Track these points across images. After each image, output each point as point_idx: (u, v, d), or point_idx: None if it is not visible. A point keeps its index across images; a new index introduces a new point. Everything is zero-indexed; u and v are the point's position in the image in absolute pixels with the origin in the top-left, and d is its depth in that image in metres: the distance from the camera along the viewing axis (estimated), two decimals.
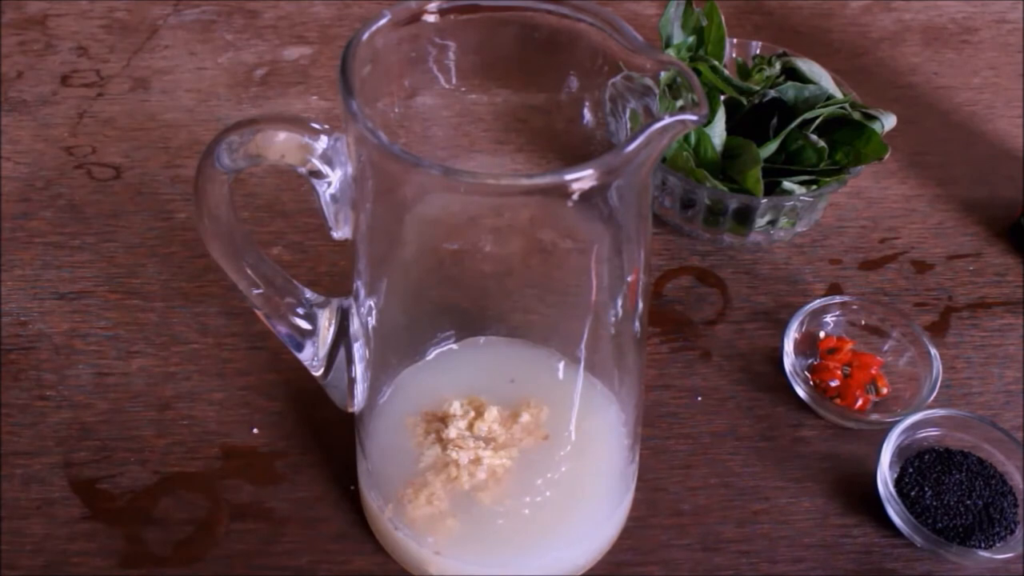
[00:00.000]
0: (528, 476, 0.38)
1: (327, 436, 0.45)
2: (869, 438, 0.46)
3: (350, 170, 0.32)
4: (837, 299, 0.50)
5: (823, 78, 0.56)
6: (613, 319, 0.39)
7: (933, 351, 0.48)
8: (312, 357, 0.39)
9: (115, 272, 0.52)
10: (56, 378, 0.47)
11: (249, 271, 0.37)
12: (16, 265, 0.52)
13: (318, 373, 0.40)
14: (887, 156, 0.52)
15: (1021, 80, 0.68)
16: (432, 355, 0.42)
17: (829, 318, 0.50)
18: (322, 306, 0.39)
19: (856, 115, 0.54)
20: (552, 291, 0.40)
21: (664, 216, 0.56)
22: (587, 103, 0.36)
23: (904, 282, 0.54)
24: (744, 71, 0.59)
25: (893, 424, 0.44)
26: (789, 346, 0.48)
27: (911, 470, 0.44)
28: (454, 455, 0.38)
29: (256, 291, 0.37)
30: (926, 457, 0.44)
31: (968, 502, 0.43)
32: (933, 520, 0.42)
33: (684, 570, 0.42)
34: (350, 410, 0.40)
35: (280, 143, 0.32)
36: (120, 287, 0.51)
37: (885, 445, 0.43)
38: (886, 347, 0.50)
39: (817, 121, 0.53)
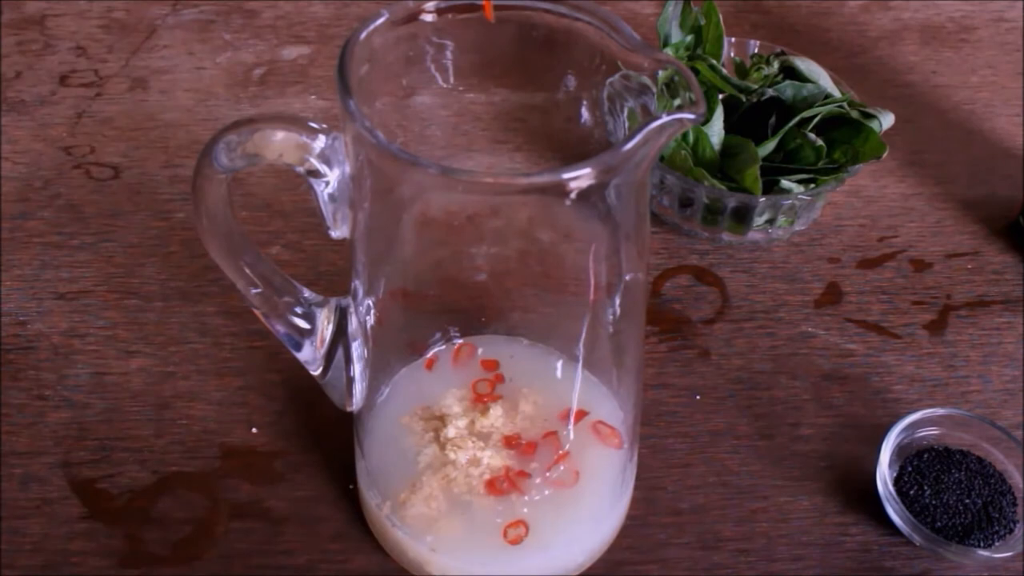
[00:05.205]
0: (526, 475, 0.38)
1: (326, 435, 0.45)
2: (868, 437, 0.46)
3: (348, 169, 0.32)
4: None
5: (821, 77, 0.56)
6: (611, 317, 0.39)
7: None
8: (310, 356, 0.39)
9: (114, 272, 0.52)
10: (55, 378, 0.47)
11: (247, 270, 0.37)
12: (15, 265, 0.52)
13: (316, 372, 0.40)
14: (885, 155, 0.52)
15: (1020, 79, 0.68)
16: (430, 354, 0.42)
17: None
18: (320, 305, 0.39)
19: (854, 114, 0.54)
20: (550, 290, 0.40)
21: (662, 215, 0.56)
22: (585, 102, 0.36)
23: (902, 281, 0.54)
24: (742, 70, 0.59)
25: (892, 423, 0.44)
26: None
27: (910, 469, 0.44)
28: (452, 455, 0.38)
29: (254, 290, 0.37)
30: (925, 456, 0.44)
31: (967, 501, 0.43)
32: (932, 519, 0.42)
33: (682, 569, 0.42)
34: (348, 409, 0.40)
35: (278, 142, 0.32)
36: (119, 287, 0.51)
37: (884, 444, 0.43)
38: None
39: (815, 120, 0.53)
